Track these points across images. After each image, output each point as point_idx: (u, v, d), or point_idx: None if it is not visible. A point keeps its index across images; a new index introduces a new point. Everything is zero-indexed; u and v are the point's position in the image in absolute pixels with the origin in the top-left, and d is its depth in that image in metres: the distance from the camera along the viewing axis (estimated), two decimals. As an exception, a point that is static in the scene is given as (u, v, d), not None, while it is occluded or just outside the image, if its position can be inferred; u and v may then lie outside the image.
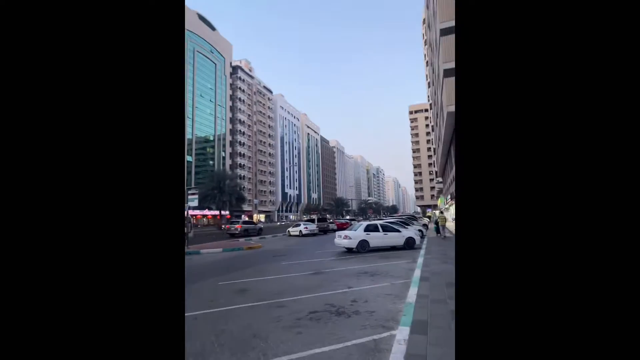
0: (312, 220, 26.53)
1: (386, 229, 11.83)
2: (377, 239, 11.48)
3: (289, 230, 24.61)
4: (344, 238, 11.41)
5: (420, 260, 8.62)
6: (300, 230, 22.94)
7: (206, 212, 48.94)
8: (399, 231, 11.93)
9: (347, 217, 53.37)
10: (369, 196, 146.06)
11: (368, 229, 11.65)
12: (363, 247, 11.24)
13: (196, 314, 4.40)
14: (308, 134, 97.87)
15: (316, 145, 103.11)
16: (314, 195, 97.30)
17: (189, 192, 14.83)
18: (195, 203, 14.53)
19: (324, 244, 14.79)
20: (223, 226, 41.19)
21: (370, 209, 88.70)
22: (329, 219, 33.59)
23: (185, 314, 4.41)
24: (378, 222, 12.35)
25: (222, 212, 52.64)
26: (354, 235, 11.39)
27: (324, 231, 24.96)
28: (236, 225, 24.69)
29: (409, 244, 11.71)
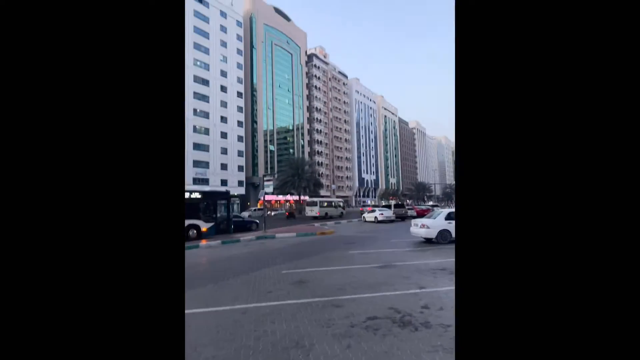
0: (389, 206, 25.20)
1: (473, 217, 10.15)
2: (461, 228, 9.94)
3: (364, 216, 24.00)
4: (421, 227, 10.21)
5: (517, 257, 7.00)
6: (376, 217, 22.07)
7: (288, 197, 51.78)
8: (489, 220, 10.12)
9: (430, 203, 49.71)
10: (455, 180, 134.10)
11: (450, 216, 10.17)
12: (444, 238, 9.88)
13: (247, 306, 4.18)
14: (385, 116, 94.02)
15: (394, 127, 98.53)
16: (392, 180, 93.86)
17: (265, 179, 15.41)
18: (270, 189, 15.04)
19: (400, 233, 13.71)
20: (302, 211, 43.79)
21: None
22: (408, 205, 31.64)
23: (237, 306, 4.26)
24: (462, 210, 10.70)
25: (304, 198, 54.95)
26: (433, 224, 10.08)
27: (401, 218, 23.51)
28: (367, 207, 33.40)
29: (503, 236, 9.83)
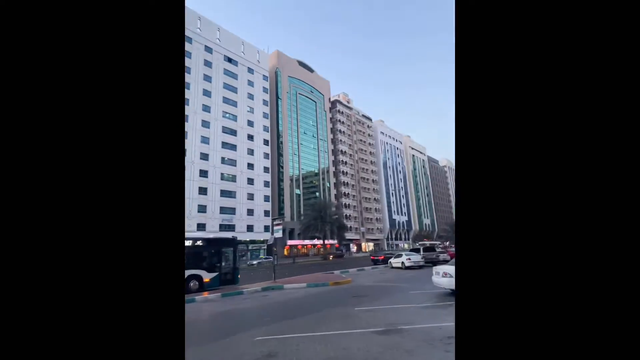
0: (417, 250, 22.94)
1: (507, 263, 8.37)
2: (493, 278, 8.17)
3: (390, 262, 21.94)
4: (443, 275, 8.56)
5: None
6: (403, 262, 19.99)
7: (315, 241, 49.98)
8: (529, 267, 8.27)
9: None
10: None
11: (479, 263, 8.49)
12: (473, 290, 8.13)
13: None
14: (413, 155, 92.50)
15: (423, 166, 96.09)
16: (426, 221, 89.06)
17: (275, 222, 14.59)
18: (279, 234, 14.10)
19: (426, 281, 11.87)
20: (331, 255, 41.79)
21: (498, 234, 74.44)
22: (441, 247, 28.78)
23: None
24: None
25: (331, 241, 52.99)
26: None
27: (432, 262, 21.10)
28: (379, 256, 27.65)
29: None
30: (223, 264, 12.93)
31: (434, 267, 9.37)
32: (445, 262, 19.69)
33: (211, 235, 14.75)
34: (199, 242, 12.77)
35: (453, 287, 8.33)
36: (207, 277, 12.16)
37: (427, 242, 27.89)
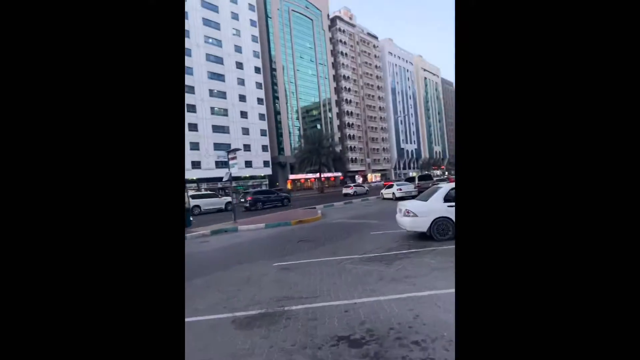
0: (412, 179, 20.81)
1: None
2: (472, 215, 5.92)
3: (382, 192, 20.11)
4: (405, 214, 6.38)
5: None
6: (394, 193, 18.09)
7: (322, 174, 48.13)
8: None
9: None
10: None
11: (453, 196, 6.17)
12: (443, 232, 5.98)
13: None
14: (425, 77, 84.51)
15: (436, 90, 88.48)
16: (437, 148, 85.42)
17: (230, 156, 12.38)
18: (235, 169, 12.01)
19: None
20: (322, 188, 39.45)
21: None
22: (437, 176, 26.43)
23: None
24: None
25: (335, 174, 51.44)
26: (422, 209, 6.17)
27: (427, 192, 19.09)
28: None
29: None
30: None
31: (398, 203, 7.14)
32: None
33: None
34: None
35: (417, 228, 6.20)
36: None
37: (442, 171, 25.17)
